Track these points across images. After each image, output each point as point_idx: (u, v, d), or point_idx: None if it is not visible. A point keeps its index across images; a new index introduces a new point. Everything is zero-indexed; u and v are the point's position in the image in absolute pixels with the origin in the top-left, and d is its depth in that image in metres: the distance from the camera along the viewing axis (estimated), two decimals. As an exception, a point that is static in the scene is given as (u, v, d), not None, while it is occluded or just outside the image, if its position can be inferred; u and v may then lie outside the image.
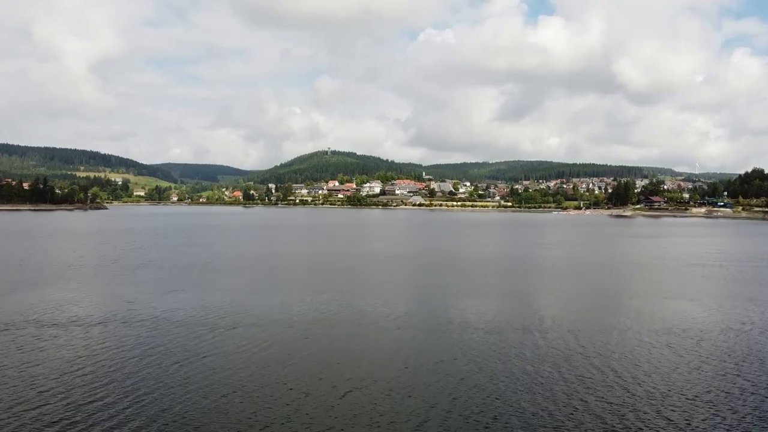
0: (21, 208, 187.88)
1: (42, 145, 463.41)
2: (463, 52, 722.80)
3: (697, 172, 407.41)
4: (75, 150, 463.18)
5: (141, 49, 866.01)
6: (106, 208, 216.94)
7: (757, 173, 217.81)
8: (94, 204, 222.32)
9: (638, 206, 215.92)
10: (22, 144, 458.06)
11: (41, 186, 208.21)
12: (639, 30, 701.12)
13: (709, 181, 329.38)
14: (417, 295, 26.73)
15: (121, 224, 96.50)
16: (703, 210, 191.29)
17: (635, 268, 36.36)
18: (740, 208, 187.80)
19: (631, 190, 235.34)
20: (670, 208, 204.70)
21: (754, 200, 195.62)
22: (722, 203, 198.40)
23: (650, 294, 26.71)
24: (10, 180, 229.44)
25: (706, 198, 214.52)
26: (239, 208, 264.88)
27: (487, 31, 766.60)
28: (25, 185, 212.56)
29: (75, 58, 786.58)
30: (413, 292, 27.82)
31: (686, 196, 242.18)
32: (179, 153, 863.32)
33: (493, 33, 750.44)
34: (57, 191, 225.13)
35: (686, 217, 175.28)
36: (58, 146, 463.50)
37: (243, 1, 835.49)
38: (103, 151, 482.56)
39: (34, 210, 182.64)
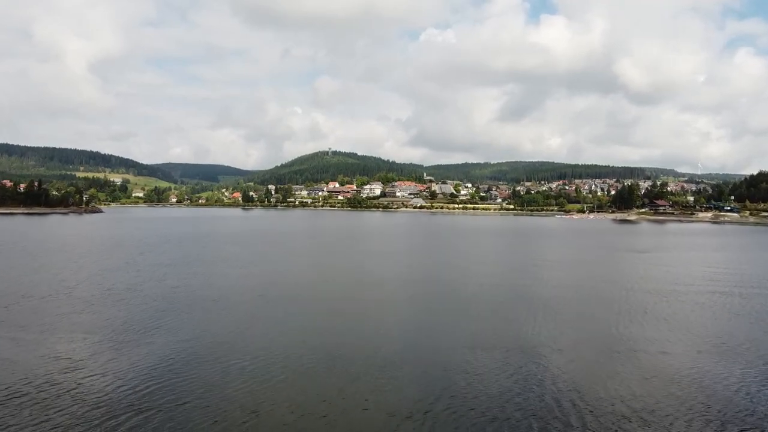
0: (15, 211, 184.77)
1: (42, 145, 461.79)
2: (464, 52, 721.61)
3: (699, 173, 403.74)
4: (75, 150, 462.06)
5: (141, 49, 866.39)
6: (102, 211, 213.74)
7: (763, 176, 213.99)
8: (90, 207, 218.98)
9: (643, 210, 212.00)
10: (22, 144, 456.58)
11: (36, 188, 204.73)
12: (641, 29, 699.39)
13: (712, 182, 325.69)
14: (404, 346, 23.10)
15: (108, 232, 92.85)
16: (709, 215, 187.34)
17: (655, 302, 32.67)
18: (747, 212, 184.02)
19: (635, 193, 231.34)
20: (675, 212, 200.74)
21: (762, 204, 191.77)
22: (729, 207, 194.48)
23: (680, 345, 22.95)
24: (5, 182, 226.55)
25: (712, 202, 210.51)
26: (238, 211, 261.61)
27: (489, 30, 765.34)
28: (22, 186, 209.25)
29: (75, 58, 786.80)
30: (400, 339, 24.20)
31: (691, 199, 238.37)
32: (180, 153, 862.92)
33: (494, 33, 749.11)
34: (55, 192, 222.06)
35: (692, 222, 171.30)
36: (57, 146, 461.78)
37: (243, 1, 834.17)
38: (103, 151, 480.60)
39: (28, 214, 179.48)
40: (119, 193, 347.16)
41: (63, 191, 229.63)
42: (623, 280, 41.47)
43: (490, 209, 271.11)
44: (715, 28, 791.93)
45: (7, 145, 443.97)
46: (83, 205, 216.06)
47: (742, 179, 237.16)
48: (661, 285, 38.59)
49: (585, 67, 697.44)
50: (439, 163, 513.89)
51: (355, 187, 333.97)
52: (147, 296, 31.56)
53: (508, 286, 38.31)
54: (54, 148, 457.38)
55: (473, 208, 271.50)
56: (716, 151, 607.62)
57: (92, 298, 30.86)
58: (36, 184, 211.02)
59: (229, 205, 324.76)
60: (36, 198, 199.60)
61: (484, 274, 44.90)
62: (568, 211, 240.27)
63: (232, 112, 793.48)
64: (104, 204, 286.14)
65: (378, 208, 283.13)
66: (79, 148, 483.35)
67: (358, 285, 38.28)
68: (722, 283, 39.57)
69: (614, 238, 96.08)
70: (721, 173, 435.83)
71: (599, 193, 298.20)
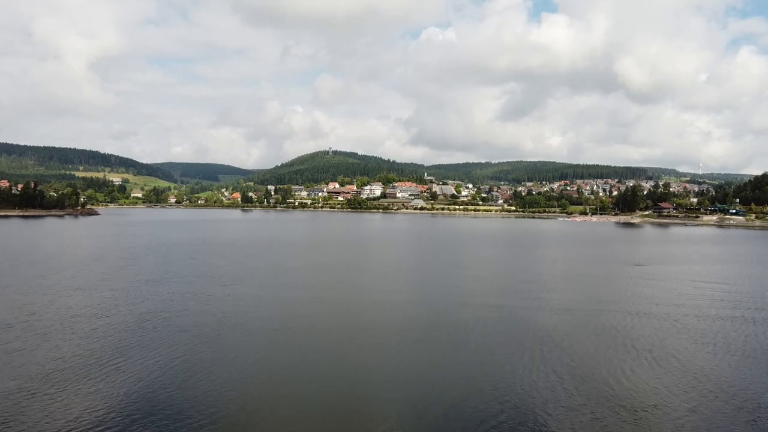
0: (10, 213, 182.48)
1: (42, 144, 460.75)
2: (466, 50, 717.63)
3: (701, 173, 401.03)
4: (74, 149, 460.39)
5: (142, 48, 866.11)
6: (98, 214, 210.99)
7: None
8: (85, 209, 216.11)
9: (646, 213, 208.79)
10: (23, 143, 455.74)
11: (32, 189, 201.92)
12: (643, 28, 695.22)
13: (714, 183, 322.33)
14: (399, 392, 20.46)
15: (97, 239, 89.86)
16: (714, 218, 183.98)
17: (667, 335, 30.04)
18: (753, 216, 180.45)
19: (638, 195, 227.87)
20: (679, 215, 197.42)
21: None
22: (734, 210, 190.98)
23: (701, 398, 20.31)
24: (1, 182, 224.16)
25: (717, 204, 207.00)
26: (237, 212, 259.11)
27: (490, 29, 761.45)
28: (19, 187, 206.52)
29: (76, 56, 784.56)
30: (396, 384, 21.57)
31: (694, 200, 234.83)
32: (180, 152, 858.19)
33: (495, 31, 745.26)
34: (52, 193, 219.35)
35: (697, 225, 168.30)
36: (57, 146, 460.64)
37: (244, 0, 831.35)
38: (103, 150, 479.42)
39: (24, 216, 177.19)
40: (117, 194, 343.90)
41: (60, 192, 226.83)
42: (628, 304, 38.76)
43: (491, 210, 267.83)
44: (717, 27, 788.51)
45: (6, 144, 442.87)
46: (79, 207, 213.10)
47: (747, 181, 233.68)
48: (671, 309, 35.86)
49: (586, 65, 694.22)
50: (440, 163, 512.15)
51: (355, 188, 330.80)
52: (114, 326, 28.88)
53: (512, 313, 35.58)
54: (53, 148, 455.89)
55: (474, 210, 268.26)
56: (717, 150, 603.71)
57: (52, 328, 28.17)
58: (32, 185, 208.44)
59: (229, 206, 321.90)
60: (31, 200, 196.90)
61: (489, 301, 42.21)
62: (570, 213, 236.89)
63: (233, 111, 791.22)
64: (102, 205, 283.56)
65: (378, 209, 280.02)
66: (79, 147, 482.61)
67: (354, 316, 35.53)
68: (744, 308, 36.81)
69: (619, 247, 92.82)
70: (722, 173, 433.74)
71: (601, 194, 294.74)
